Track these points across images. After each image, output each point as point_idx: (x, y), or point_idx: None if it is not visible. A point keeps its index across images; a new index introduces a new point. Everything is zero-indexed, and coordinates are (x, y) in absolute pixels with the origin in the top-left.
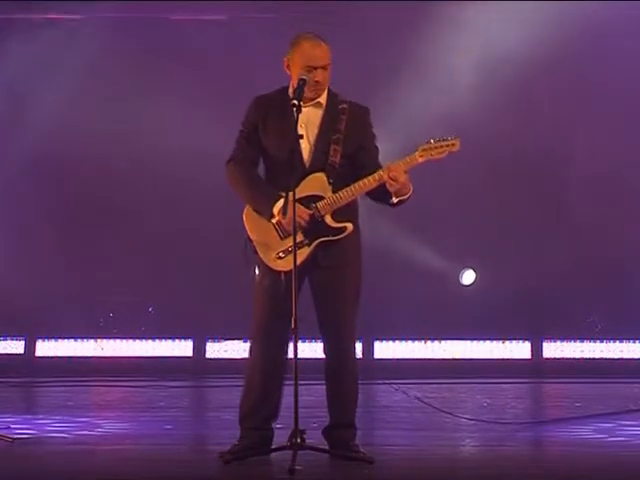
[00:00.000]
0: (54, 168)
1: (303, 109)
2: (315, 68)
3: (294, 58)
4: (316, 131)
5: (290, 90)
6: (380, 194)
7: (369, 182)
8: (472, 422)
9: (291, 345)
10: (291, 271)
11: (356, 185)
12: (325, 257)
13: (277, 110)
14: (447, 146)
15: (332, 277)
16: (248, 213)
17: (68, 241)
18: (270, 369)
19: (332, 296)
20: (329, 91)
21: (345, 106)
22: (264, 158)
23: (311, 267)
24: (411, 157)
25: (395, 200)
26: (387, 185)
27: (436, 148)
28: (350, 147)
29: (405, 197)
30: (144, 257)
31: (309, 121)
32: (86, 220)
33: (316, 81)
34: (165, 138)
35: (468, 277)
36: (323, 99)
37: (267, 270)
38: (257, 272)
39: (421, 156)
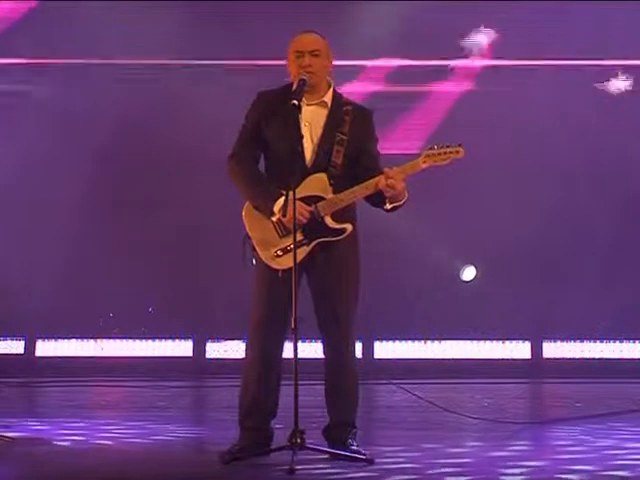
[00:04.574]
0: (52, 168)
1: (308, 107)
2: (303, 54)
3: (288, 54)
4: (320, 131)
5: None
6: (375, 199)
7: (370, 186)
8: (473, 422)
9: (291, 345)
10: (289, 269)
11: (357, 188)
12: (323, 257)
13: (280, 107)
14: (451, 153)
15: (330, 277)
16: (248, 210)
17: (68, 241)
18: (266, 368)
19: (331, 296)
20: (334, 91)
21: (349, 108)
22: (266, 154)
23: (309, 266)
24: (414, 163)
25: (389, 206)
26: (383, 191)
27: (440, 155)
28: (352, 149)
29: (399, 204)
30: (144, 257)
31: (313, 120)
32: (86, 220)
33: (304, 65)
34: (168, 136)
35: (469, 273)
36: (328, 99)
37: (265, 268)
38: (255, 268)
39: (424, 162)
